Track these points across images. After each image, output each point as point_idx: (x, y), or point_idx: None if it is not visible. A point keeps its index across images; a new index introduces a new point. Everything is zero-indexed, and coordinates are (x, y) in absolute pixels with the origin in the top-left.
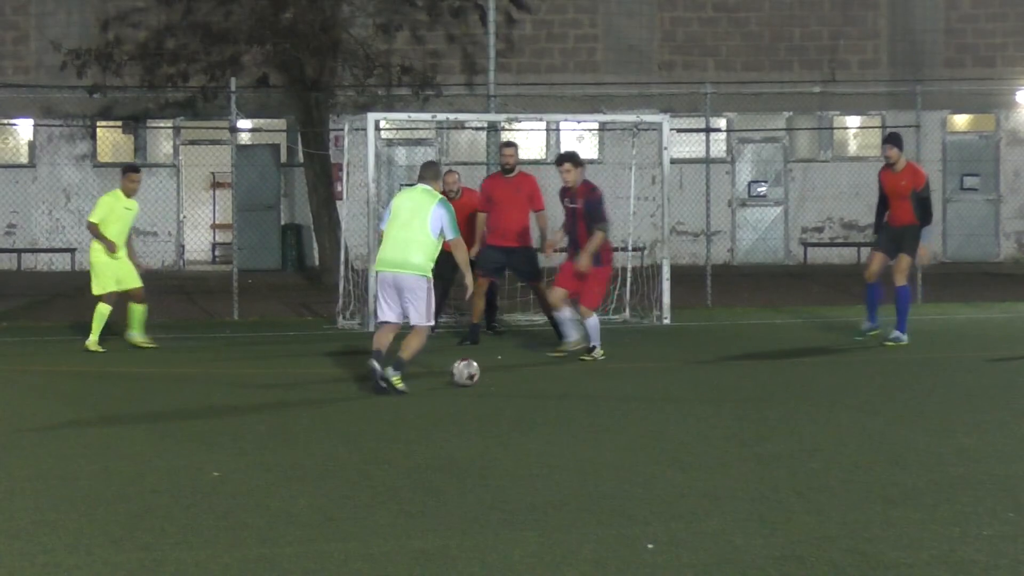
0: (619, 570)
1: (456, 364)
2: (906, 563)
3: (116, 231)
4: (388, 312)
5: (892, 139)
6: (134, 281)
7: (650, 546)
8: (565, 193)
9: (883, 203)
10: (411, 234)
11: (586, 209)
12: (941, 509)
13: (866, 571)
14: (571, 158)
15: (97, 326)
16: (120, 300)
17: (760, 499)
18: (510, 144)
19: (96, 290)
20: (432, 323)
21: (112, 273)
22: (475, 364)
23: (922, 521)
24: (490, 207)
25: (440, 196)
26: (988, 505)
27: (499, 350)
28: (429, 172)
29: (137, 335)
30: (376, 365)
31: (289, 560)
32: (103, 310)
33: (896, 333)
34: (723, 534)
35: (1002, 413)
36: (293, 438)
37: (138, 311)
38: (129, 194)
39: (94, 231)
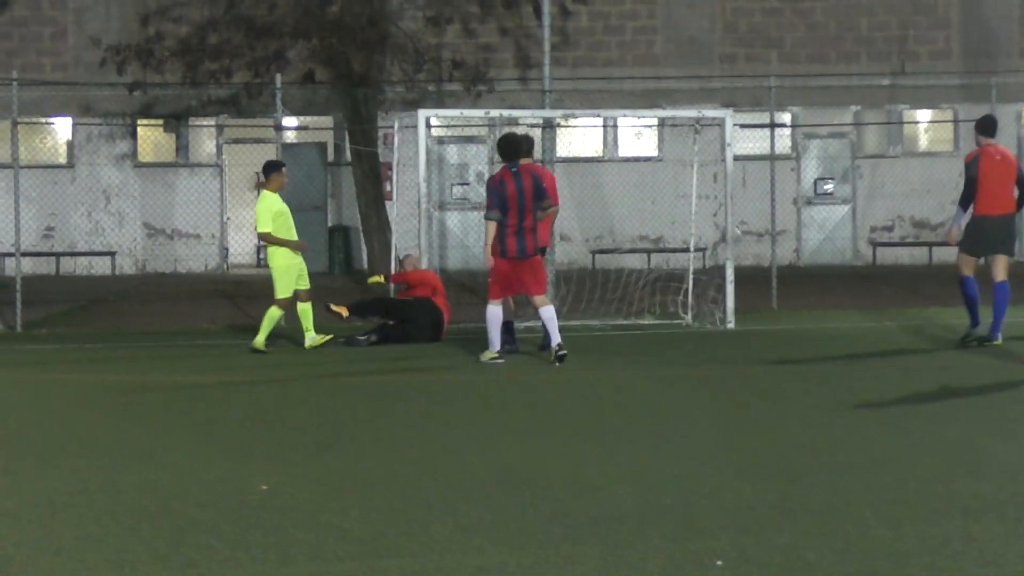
0: None
1: None
2: None
3: (288, 228)
4: None
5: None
6: (305, 282)
7: (719, 563)
8: None
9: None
10: None
11: None
12: None
13: None
14: None
15: (268, 327)
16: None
17: (832, 512)
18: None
19: (281, 294)
20: None
21: (293, 275)
22: None
23: (1004, 535)
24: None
25: None
26: None
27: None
28: None
29: (314, 336)
30: None
31: None
32: (276, 313)
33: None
34: (795, 549)
35: None
36: (341, 449)
37: (309, 311)
38: (281, 188)
39: (271, 240)
